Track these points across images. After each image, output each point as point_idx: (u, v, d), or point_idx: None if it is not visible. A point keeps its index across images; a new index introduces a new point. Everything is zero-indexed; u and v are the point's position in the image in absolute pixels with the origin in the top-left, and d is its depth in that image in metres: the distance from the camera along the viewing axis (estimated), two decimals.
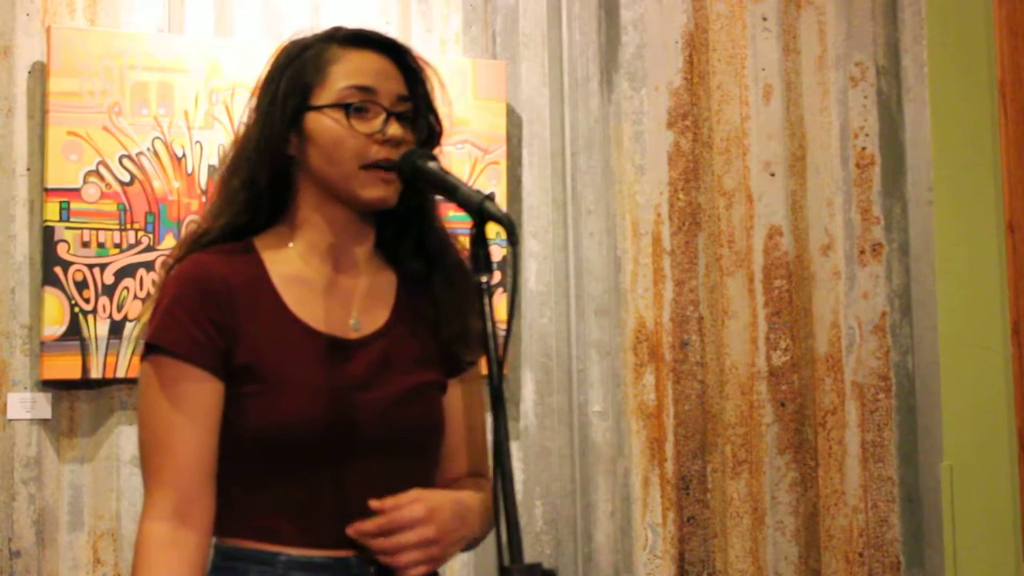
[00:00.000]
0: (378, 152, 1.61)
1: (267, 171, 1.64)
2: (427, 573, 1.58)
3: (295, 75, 1.65)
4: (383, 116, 1.62)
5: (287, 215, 1.67)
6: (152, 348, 1.59)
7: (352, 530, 1.56)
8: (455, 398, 1.72)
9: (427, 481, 1.67)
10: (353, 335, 1.64)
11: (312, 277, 1.65)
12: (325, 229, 1.66)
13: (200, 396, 1.57)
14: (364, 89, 1.63)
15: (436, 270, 1.71)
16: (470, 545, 1.69)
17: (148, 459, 1.58)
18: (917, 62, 3.20)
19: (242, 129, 1.69)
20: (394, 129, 1.62)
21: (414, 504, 1.56)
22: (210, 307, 1.58)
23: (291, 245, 1.66)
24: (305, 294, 1.64)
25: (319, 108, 1.63)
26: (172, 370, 1.57)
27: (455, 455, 1.72)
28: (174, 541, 1.53)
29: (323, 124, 1.63)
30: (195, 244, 1.65)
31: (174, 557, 1.53)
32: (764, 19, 3.25)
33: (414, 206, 1.69)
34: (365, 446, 1.59)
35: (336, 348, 1.62)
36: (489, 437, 1.51)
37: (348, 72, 1.64)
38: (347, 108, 1.62)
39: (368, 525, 1.55)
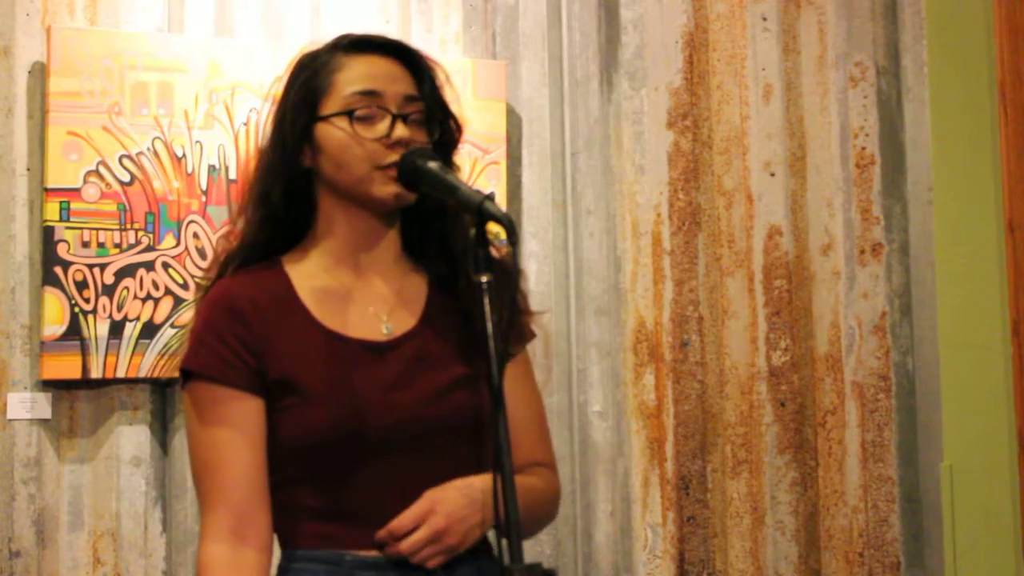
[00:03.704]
0: (387, 156, 1.62)
1: (281, 185, 1.65)
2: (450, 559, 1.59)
3: (303, 86, 1.67)
4: (389, 120, 1.63)
5: (311, 228, 1.69)
6: (187, 375, 1.62)
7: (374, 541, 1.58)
8: (505, 389, 1.72)
9: (480, 470, 1.65)
10: (384, 338, 1.65)
11: (338, 286, 1.66)
12: (347, 236, 1.67)
13: (240, 415, 1.59)
14: (369, 94, 1.64)
15: (462, 268, 1.70)
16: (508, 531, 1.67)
17: (199, 483, 1.61)
18: (917, 62, 3.20)
19: (259, 144, 1.72)
20: (400, 131, 1.63)
21: (419, 501, 1.57)
22: (238, 328, 1.60)
23: (315, 257, 1.68)
24: (333, 304, 1.65)
25: (327, 118, 1.64)
26: (208, 393, 1.60)
27: (513, 446, 1.69)
28: (234, 561, 1.55)
29: (331, 133, 1.64)
30: (223, 268, 1.68)
31: None
32: (764, 19, 3.25)
33: (437, 205, 1.70)
34: (408, 445, 1.60)
35: (368, 352, 1.63)
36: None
37: (353, 79, 1.65)
38: (351, 115, 1.62)
39: (380, 533, 1.57)
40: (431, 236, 1.72)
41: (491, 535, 1.68)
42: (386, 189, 1.62)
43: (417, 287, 1.72)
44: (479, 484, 1.61)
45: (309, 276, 1.67)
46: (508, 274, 1.63)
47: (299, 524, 1.61)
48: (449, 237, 1.72)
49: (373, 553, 1.58)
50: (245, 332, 1.60)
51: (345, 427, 1.58)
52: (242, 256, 1.68)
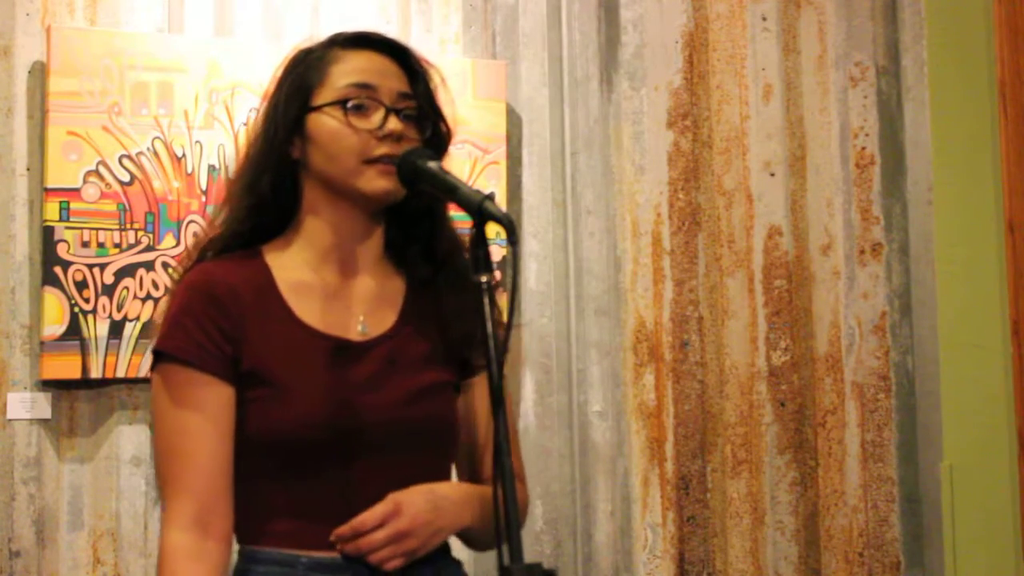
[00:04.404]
0: (379, 147, 1.61)
1: (270, 175, 1.65)
2: (407, 563, 1.58)
3: (297, 78, 1.66)
4: (383, 112, 1.63)
5: (295, 222, 1.68)
6: (160, 356, 1.60)
7: (333, 536, 1.56)
8: (474, 400, 1.72)
9: (444, 477, 1.67)
10: (359, 338, 1.64)
11: (318, 282, 1.65)
12: (331, 232, 1.66)
13: (211, 401, 1.57)
14: (363, 86, 1.64)
15: (444, 274, 1.71)
16: (474, 540, 1.68)
17: (164, 468, 1.59)
18: (917, 62, 3.20)
19: (249, 135, 1.71)
20: (393, 124, 1.62)
21: (384, 502, 1.56)
22: (216, 314, 1.59)
23: (297, 251, 1.67)
24: (311, 299, 1.64)
25: (319, 108, 1.64)
26: (181, 377, 1.58)
27: (481, 458, 1.71)
28: (198, 552, 1.54)
29: (323, 123, 1.63)
30: (203, 253, 1.67)
31: (199, 569, 1.54)
32: (764, 19, 3.25)
33: (423, 208, 1.69)
34: (375, 447, 1.60)
35: (342, 351, 1.62)
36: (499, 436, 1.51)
37: (348, 71, 1.65)
38: (345, 104, 1.62)
39: (342, 529, 1.56)
40: (415, 239, 1.72)
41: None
42: (375, 184, 1.62)
43: (396, 289, 1.71)
44: (442, 491, 1.62)
45: (290, 269, 1.65)
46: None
47: (258, 520, 1.60)
48: (434, 240, 1.71)
49: (331, 554, 1.57)
50: (222, 318, 1.59)
51: (313, 425, 1.57)
52: (224, 243, 1.66)
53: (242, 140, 2.80)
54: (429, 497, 1.59)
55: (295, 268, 1.66)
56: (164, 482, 1.58)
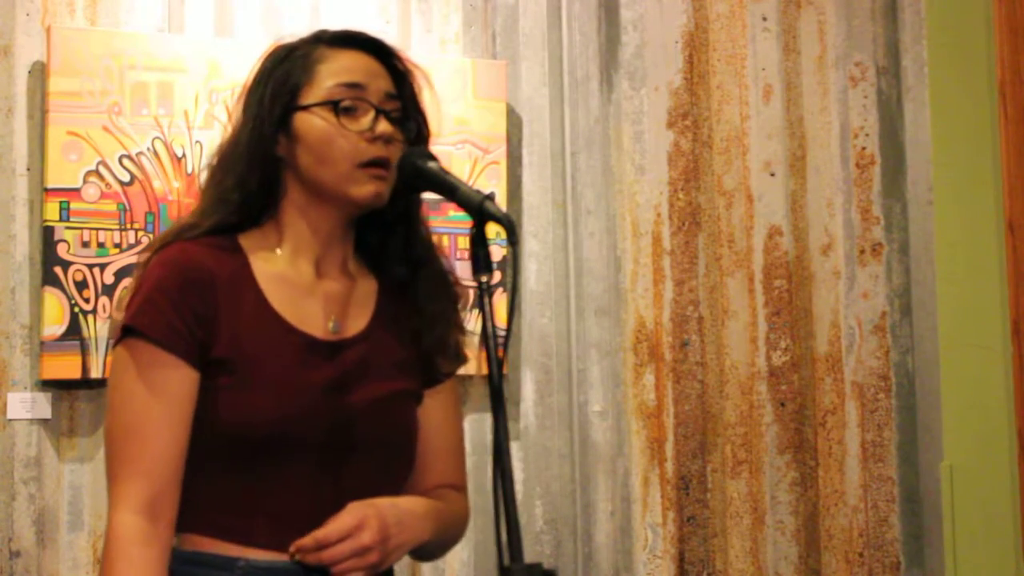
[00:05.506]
0: (369, 150, 1.60)
1: (258, 173, 1.63)
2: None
3: (283, 76, 1.64)
4: (372, 113, 1.62)
5: (273, 216, 1.66)
6: (129, 331, 1.56)
7: (293, 547, 1.54)
8: (430, 409, 1.72)
9: (398, 488, 1.66)
10: (331, 337, 1.63)
11: (295, 278, 1.64)
12: (311, 233, 1.65)
13: (176, 384, 1.55)
14: (353, 86, 1.62)
15: (419, 277, 1.70)
16: (425, 553, 1.69)
17: (119, 447, 1.55)
18: (917, 62, 3.20)
19: (230, 130, 1.68)
20: (384, 126, 1.61)
21: (348, 514, 1.55)
22: (192, 296, 1.56)
23: (275, 244, 1.65)
24: (288, 294, 1.63)
25: (308, 107, 1.62)
26: (148, 355, 1.55)
27: (428, 466, 1.72)
28: (149, 536, 1.51)
29: (312, 124, 1.62)
30: (180, 236, 1.63)
31: (149, 554, 1.51)
32: (764, 19, 3.25)
33: (401, 210, 1.69)
34: (337, 449, 1.58)
35: (315, 349, 1.61)
36: (488, 438, 1.50)
37: (336, 70, 1.63)
38: (336, 106, 1.61)
39: (305, 540, 1.54)
40: (392, 239, 1.71)
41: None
42: (365, 188, 1.61)
43: (369, 291, 1.70)
44: (406, 506, 1.61)
45: (269, 262, 1.63)
46: (450, 288, 1.68)
47: (202, 511, 1.57)
48: (411, 242, 1.71)
49: (270, 556, 1.55)
50: (198, 301, 1.56)
51: (280, 420, 1.55)
52: (205, 232, 1.63)
53: None
54: (394, 512, 1.57)
55: (273, 261, 1.64)
56: (117, 462, 1.54)
